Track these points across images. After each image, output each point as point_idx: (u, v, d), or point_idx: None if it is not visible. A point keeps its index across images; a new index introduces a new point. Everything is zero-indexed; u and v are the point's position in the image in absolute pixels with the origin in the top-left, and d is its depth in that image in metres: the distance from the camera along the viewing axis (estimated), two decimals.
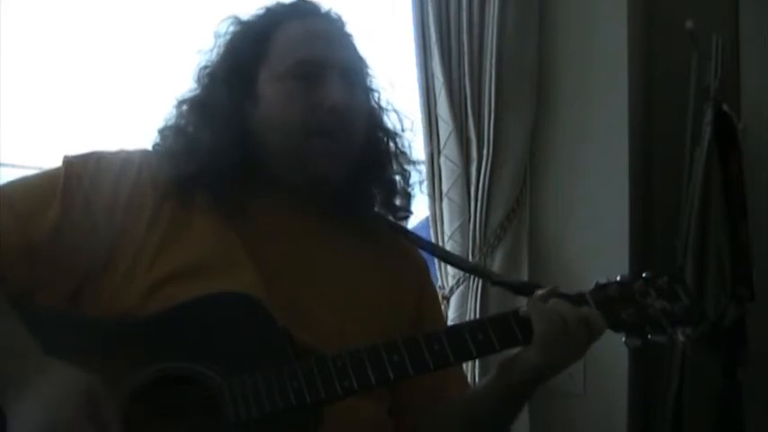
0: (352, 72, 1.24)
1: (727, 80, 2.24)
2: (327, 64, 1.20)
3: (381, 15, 2.22)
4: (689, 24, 2.21)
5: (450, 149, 2.20)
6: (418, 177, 1.33)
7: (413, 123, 1.34)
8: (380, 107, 1.31)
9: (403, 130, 1.31)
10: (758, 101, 2.32)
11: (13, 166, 1.86)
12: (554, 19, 2.28)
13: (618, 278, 1.21)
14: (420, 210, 2.08)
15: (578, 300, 1.17)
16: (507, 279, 1.35)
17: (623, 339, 1.18)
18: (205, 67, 1.25)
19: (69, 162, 1.17)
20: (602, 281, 1.21)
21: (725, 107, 2.20)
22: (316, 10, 1.26)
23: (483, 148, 2.18)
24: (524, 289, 1.28)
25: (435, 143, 2.22)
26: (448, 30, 2.19)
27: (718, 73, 2.22)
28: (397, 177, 1.30)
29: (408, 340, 1.10)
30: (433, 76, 2.22)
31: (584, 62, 2.26)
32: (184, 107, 1.24)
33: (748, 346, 2.14)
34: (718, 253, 2.15)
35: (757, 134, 2.30)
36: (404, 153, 1.31)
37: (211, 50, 1.26)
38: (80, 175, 1.15)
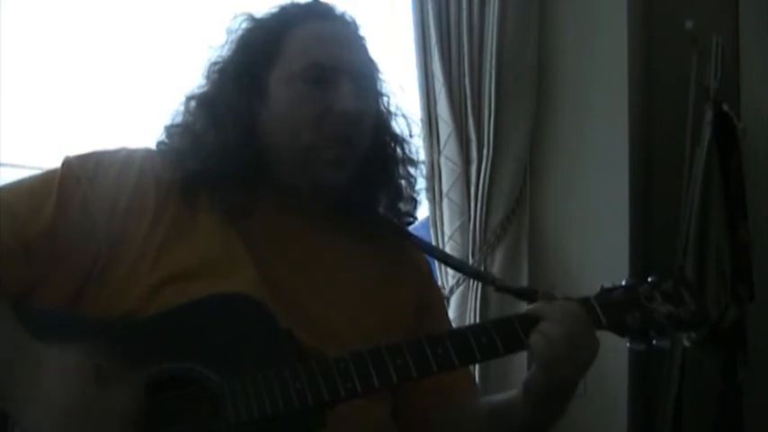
0: (364, 77, 1.23)
1: (727, 80, 2.25)
2: (340, 68, 1.18)
3: (381, 16, 2.22)
4: (689, 24, 2.21)
5: (450, 150, 2.20)
6: (424, 184, 1.33)
7: (420, 129, 1.33)
8: (389, 112, 1.30)
9: (411, 136, 1.31)
10: (758, 101, 2.33)
11: (13, 166, 1.85)
12: (554, 19, 2.28)
13: (623, 282, 1.20)
14: (420, 210, 2.07)
15: (583, 305, 1.16)
16: (510, 285, 1.33)
17: (627, 343, 1.18)
18: (215, 63, 1.23)
19: (68, 162, 1.16)
20: (608, 285, 1.19)
21: (725, 107, 2.21)
22: (330, 12, 1.24)
23: (483, 148, 2.19)
24: (526, 294, 1.27)
25: (435, 143, 2.22)
26: (448, 30, 2.19)
27: (718, 73, 2.22)
28: (403, 182, 1.30)
29: (412, 343, 1.09)
30: (433, 76, 2.22)
31: (584, 62, 2.26)
32: (192, 103, 1.22)
33: (748, 347, 2.14)
34: (718, 253, 2.15)
35: (757, 134, 2.30)
36: (410, 158, 1.30)
37: (222, 46, 1.23)
38: (78, 175, 1.14)
